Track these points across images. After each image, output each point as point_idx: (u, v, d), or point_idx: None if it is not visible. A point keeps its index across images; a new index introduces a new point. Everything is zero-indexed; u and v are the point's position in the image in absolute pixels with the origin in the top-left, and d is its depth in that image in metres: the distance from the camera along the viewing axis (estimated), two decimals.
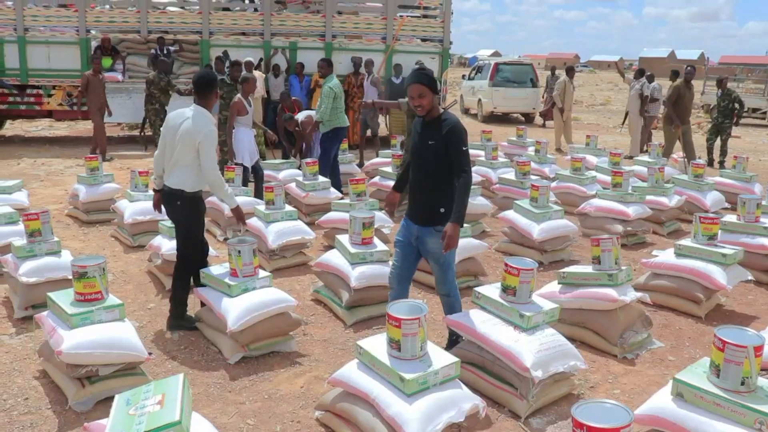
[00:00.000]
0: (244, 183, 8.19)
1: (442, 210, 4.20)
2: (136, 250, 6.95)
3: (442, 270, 4.38)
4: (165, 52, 13.73)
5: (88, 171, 8.11)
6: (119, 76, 13.73)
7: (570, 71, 15.22)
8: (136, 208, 7.08)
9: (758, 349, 2.99)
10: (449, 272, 4.40)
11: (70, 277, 5.06)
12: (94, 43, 13.85)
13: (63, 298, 4.16)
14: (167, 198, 4.91)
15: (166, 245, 5.85)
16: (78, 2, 13.75)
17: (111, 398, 3.84)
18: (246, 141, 8.33)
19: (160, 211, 5.14)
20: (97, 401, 3.91)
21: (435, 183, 4.22)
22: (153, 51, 13.71)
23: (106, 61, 13.71)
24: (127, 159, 12.28)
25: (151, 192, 7.41)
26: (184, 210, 4.89)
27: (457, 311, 4.42)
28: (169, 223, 6.02)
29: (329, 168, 8.93)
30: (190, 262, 5.00)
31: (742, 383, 2.98)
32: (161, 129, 4.98)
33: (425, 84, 4.14)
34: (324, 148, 9.02)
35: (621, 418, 2.45)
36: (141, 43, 14.00)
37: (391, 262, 4.86)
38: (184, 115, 4.80)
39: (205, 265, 5.07)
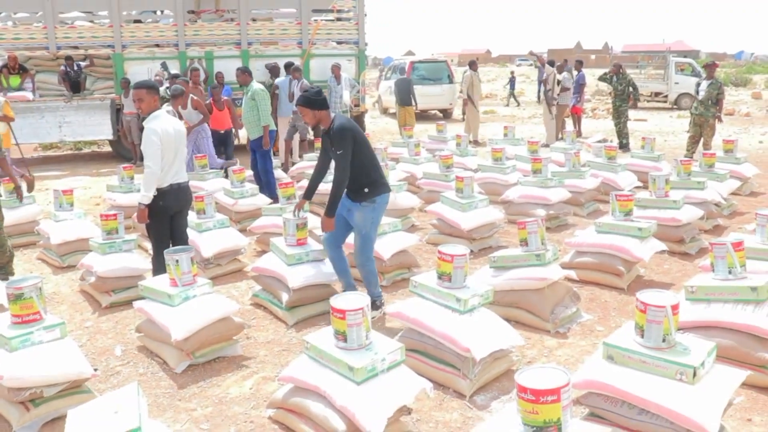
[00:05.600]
0: None
1: (366, 190, 5.04)
2: (66, 270, 6.80)
3: (362, 241, 5.16)
4: (76, 68, 13.40)
5: (7, 194, 7.81)
6: (29, 95, 13.24)
7: (473, 65, 15.70)
8: (64, 227, 6.94)
9: (675, 308, 3.25)
10: (366, 245, 5.17)
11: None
12: None
13: None
14: (187, 191, 5.53)
15: (100, 263, 5.78)
16: None
17: (58, 419, 3.85)
18: None
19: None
20: (43, 423, 3.86)
21: (353, 174, 5.03)
22: (63, 67, 13.34)
23: (14, 80, 13.24)
24: (46, 179, 11.90)
25: (77, 211, 7.29)
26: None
27: (371, 283, 5.24)
28: (100, 240, 5.97)
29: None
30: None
31: (664, 340, 3.24)
32: (158, 140, 5.12)
33: (303, 105, 5.05)
34: (261, 152, 9.13)
35: (560, 380, 2.64)
36: (50, 60, 13.60)
37: (326, 259, 5.41)
38: (169, 121, 5.35)
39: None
